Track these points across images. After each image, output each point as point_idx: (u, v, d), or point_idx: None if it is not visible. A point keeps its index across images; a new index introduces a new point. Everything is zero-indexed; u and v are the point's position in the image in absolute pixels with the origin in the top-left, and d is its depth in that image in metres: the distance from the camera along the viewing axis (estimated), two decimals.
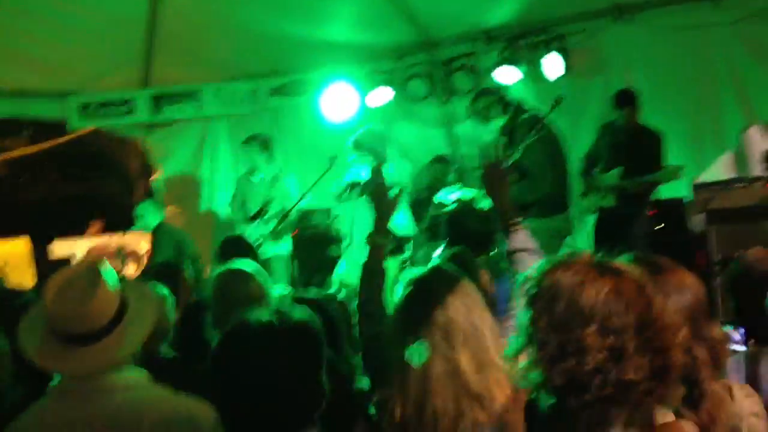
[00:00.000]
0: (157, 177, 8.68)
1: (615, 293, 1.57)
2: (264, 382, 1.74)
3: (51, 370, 2.30)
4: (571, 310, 1.57)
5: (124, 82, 8.01)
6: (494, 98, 6.55)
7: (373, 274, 2.74)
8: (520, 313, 1.67)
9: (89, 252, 8.51)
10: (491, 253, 4.12)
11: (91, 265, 2.35)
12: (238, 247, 5.25)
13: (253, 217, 7.47)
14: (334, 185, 7.19)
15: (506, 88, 7.19)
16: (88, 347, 2.24)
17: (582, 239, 6.93)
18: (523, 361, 1.65)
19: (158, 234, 7.41)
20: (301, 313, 1.88)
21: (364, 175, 6.90)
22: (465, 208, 4.37)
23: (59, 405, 2.27)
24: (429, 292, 2.35)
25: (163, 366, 3.08)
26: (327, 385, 1.86)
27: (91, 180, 13.83)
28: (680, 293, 2.10)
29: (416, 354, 2.23)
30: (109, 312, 2.28)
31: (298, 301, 2.90)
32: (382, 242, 2.80)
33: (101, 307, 2.26)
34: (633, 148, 6.54)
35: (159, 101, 8.03)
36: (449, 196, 6.41)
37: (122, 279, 2.42)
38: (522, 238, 2.82)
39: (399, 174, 7.07)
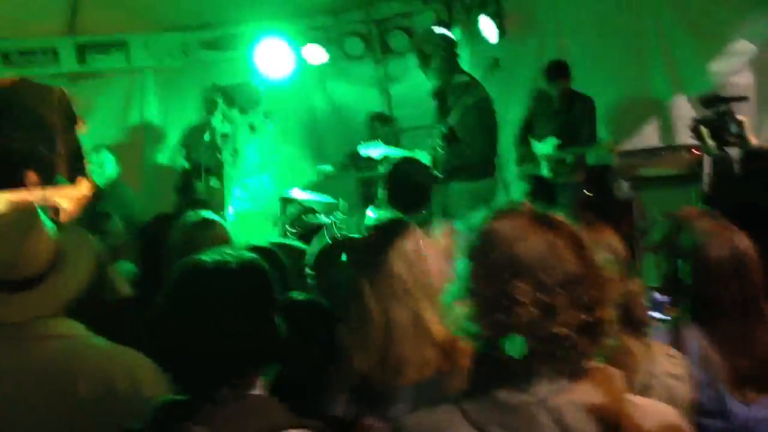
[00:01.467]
0: (82, 129, 8.42)
1: (550, 247, 1.57)
2: (216, 318, 1.73)
3: None
4: (506, 261, 1.57)
5: (48, 30, 7.71)
6: (443, 46, 6.48)
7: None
8: (458, 260, 1.67)
9: (8, 206, 8.26)
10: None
11: (25, 211, 2.27)
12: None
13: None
14: None
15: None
16: (21, 294, 2.18)
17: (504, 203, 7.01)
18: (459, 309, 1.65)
19: (116, 188, 7.22)
20: (251, 255, 1.87)
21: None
22: (408, 162, 4.35)
23: None
24: (388, 240, 2.34)
25: (113, 310, 3.01)
26: (280, 327, 1.84)
27: (7, 133, 13.34)
28: (604, 250, 2.14)
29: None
30: (44, 259, 2.21)
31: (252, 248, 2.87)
32: None
33: (36, 253, 2.20)
34: (566, 115, 6.65)
35: (84, 51, 7.76)
36: (372, 150, 6.37)
37: (60, 226, 2.35)
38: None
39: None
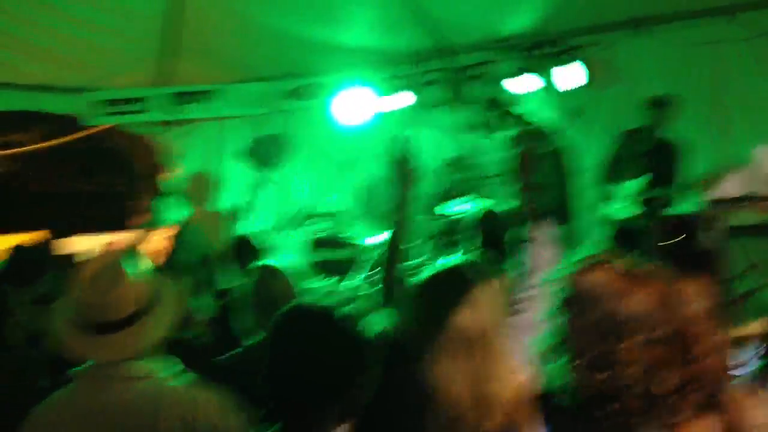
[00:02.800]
0: (171, 175, 8.69)
1: (655, 304, 1.55)
2: (316, 360, 1.77)
3: (76, 356, 2.33)
4: (611, 320, 1.55)
5: (139, 80, 8.03)
6: (498, 111, 6.56)
7: (393, 253, 2.72)
8: (551, 312, 1.64)
9: (100, 249, 8.56)
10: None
11: (119, 257, 2.38)
12: (248, 246, 5.28)
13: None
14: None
15: (514, 100, 7.21)
16: (113, 335, 2.28)
17: (588, 249, 6.90)
18: (547, 360, 1.63)
19: (183, 233, 7.42)
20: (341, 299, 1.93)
21: None
22: (493, 214, 4.37)
23: (82, 391, 2.31)
24: (441, 294, 2.33)
25: (195, 353, 3.10)
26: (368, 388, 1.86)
27: (100, 177, 13.89)
28: (699, 300, 2.09)
29: None
30: (136, 301, 2.32)
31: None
32: (403, 222, 2.79)
33: (127, 296, 2.31)
34: (654, 156, 6.54)
35: (173, 100, 8.04)
36: (457, 207, 6.41)
37: (147, 272, 2.45)
38: (543, 229, 2.80)
39: None
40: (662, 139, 6.60)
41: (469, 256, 2.59)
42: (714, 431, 1.66)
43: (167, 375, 2.35)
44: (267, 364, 1.83)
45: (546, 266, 2.65)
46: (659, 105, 6.50)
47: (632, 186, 6.58)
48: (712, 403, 1.99)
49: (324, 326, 1.83)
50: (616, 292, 1.57)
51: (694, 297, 2.04)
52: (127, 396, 2.25)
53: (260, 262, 3.46)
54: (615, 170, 6.79)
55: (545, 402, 2.43)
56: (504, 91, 7.50)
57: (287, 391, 1.80)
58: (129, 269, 2.35)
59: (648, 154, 6.57)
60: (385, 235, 6.87)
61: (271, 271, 3.33)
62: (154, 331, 2.33)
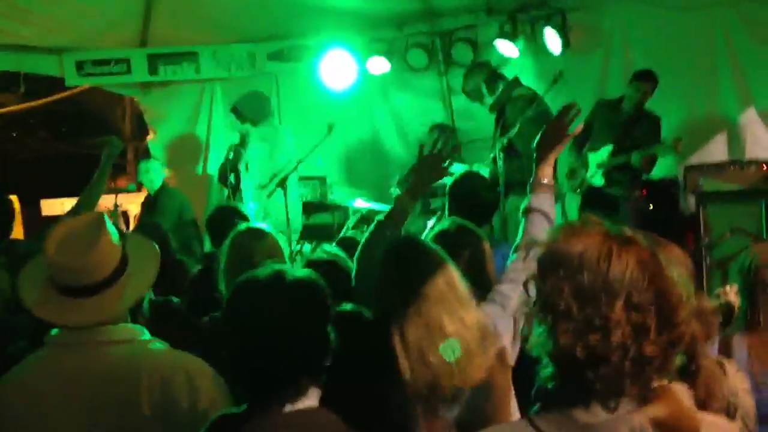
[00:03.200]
0: (152, 138, 8.65)
1: (640, 267, 1.57)
2: (270, 332, 1.79)
3: (50, 321, 2.28)
4: (599, 283, 1.56)
5: (121, 41, 7.95)
6: (486, 74, 6.52)
7: (386, 235, 2.72)
8: (534, 277, 1.66)
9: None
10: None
11: (93, 218, 2.34)
12: (227, 213, 5.25)
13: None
14: None
15: (500, 61, 7.20)
16: (88, 299, 2.24)
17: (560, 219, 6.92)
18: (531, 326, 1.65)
19: (162, 196, 7.43)
20: (305, 271, 1.92)
21: None
22: (473, 176, 4.36)
23: (56, 356, 2.27)
24: (404, 261, 2.37)
25: (172, 314, 3.12)
26: (332, 339, 1.89)
27: (81, 139, 13.80)
28: (676, 266, 2.12)
29: (449, 350, 2.25)
30: (110, 265, 2.27)
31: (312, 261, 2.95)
32: (409, 208, 2.81)
33: (102, 259, 2.26)
34: (632, 128, 6.54)
35: (156, 61, 7.97)
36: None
37: (123, 233, 2.42)
38: (547, 200, 2.80)
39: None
40: (642, 110, 6.58)
41: (445, 223, 2.61)
42: (691, 395, 1.70)
43: (144, 339, 2.34)
44: (226, 336, 1.84)
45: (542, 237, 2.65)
46: (645, 78, 6.47)
47: (603, 151, 6.58)
48: (691, 367, 2.03)
49: (276, 295, 1.83)
50: (601, 255, 1.58)
51: (675, 262, 2.08)
52: (103, 360, 2.22)
53: (246, 224, 3.43)
54: (590, 138, 6.77)
55: (526, 371, 2.49)
56: (489, 56, 7.48)
57: (248, 363, 1.81)
58: (104, 230, 2.28)
59: (626, 124, 6.56)
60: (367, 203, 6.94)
61: (255, 233, 3.30)
62: (130, 294, 2.29)
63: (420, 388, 2.21)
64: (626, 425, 1.55)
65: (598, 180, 6.64)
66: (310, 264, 2.85)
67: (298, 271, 1.92)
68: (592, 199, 6.65)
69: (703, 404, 1.99)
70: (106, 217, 2.36)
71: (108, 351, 2.25)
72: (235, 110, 7.21)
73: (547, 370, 1.63)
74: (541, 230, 2.73)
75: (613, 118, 6.62)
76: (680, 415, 1.60)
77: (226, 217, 4.76)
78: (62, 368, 2.24)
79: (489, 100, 6.44)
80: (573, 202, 6.93)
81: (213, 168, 8.31)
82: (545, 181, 2.82)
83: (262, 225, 3.40)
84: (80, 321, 2.25)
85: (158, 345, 2.34)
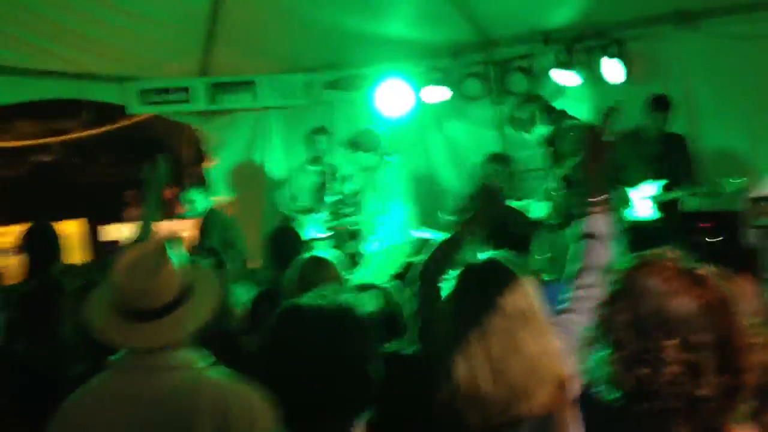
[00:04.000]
0: (211, 165, 8.80)
1: (702, 308, 1.54)
2: (310, 364, 1.77)
3: (114, 344, 2.33)
4: (657, 318, 1.54)
5: (183, 70, 8.13)
6: (538, 106, 6.49)
7: (443, 260, 2.69)
8: (599, 304, 1.64)
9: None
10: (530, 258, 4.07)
11: (159, 244, 2.39)
12: (288, 237, 5.32)
13: (308, 210, 7.48)
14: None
15: (555, 91, 7.15)
16: (152, 323, 2.28)
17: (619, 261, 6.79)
18: (589, 353, 1.63)
19: (207, 220, 7.53)
20: (348, 299, 1.91)
21: None
22: (512, 210, 4.33)
23: (118, 379, 2.31)
24: (488, 279, 2.36)
25: (233, 343, 3.15)
26: (378, 373, 1.87)
27: (139, 166, 14.06)
28: (749, 302, 2.06)
29: None
30: (174, 290, 2.32)
31: (362, 287, 2.93)
32: (467, 238, 2.78)
33: (167, 284, 2.30)
34: (665, 157, 6.44)
35: (216, 90, 8.12)
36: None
37: (186, 260, 2.46)
38: (601, 223, 2.70)
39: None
40: (670, 135, 6.46)
41: (498, 252, 2.59)
42: None
43: (204, 365, 2.36)
44: (266, 366, 1.83)
45: (601, 263, 2.61)
46: (663, 106, 6.38)
47: (647, 188, 6.47)
48: (756, 414, 1.97)
49: (318, 325, 1.81)
50: (667, 290, 1.56)
51: (747, 302, 2.01)
52: (163, 385, 2.25)
53: (308, 253, 3.48)
54: (625, 172, 6.67)
55: (585, 398, 2.45)
56: (545, 85, 7.45)
57: (289, 394, 1.80)
58: (168, 256, 2.33)
59: (658, 154, 6.45)
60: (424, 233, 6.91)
61: (317, 261, 3.33)
62: (192, 319, 2.32)
63: (496, 407, 2.19)
64: None
65: (643, 215, 6.52)
66: (359, 289, 2.84)
67: (341, 298, 1.91)
68: (639, 232, 6.53)
69: None
70: (168, 243, 2.41)
71: (166, 376, 2.27)
72: (356, 144, 7.18)
73: (610, 395, 1.60)
74: (599, 256, 2.65)
75: (641, 150, 6.51)
76: None
77: (288, 239, 4.85)
78: (119, 391, 2.27)
79: (541, 129, 6.39)
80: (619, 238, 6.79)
81: (269, 194, 8.40)
82: (598, 199, 2.73)
83: (325, 254, 3.45)
84: (140, 344, 2.28)
85: (218, 372, 2.36)
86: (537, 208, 6.55)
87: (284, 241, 5.11)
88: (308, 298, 1.90)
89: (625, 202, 6.60)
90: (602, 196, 2.74)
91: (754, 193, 6.40)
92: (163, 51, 7.72)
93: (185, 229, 9.16)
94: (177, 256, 2.38)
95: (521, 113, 6.59)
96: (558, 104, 7.05)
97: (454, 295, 2.42)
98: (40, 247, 5.14)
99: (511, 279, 2.36)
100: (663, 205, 6.47)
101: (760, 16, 6.61)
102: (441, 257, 2.73)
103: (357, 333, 1.86)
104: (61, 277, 3.70)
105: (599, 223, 2.71)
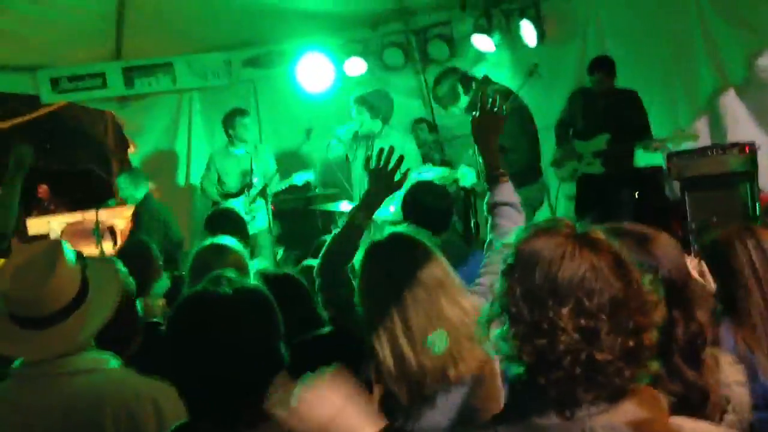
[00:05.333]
0: (133, 151, 8.59)
1: (593, 271, 1.52)
2: (211, 347, 1.74)
3: (8, 354, 2.24)
4: (548, 285, 1.53)
5: (95, 56, 7.87)
6: (456, 78, 6.46)
7: (344, 248, 2.64)
8: (497, 279, 1.63)
9: (66, 228, 8.45)
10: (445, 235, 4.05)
11: (50, 245, 2.29)
12: (227, 219, 5.20)
13: (238, 193, 7.35)
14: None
15: (477, 58, 7.15)
16: (46, 330, 2.19)
17: (547, 210, 6.90)
18: (494, 329, 1.62)
19: (143, 210, 7.33)
20: (251, 283, 1.87)
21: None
22: (422, 184, 4.29)
23: (18, 390, 2.22)
24: (394, 252, 2.36)
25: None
26: (283, 355, 1.84)
27: (68, 155, 13.71)
28: (670, 259, 2.07)
29: (437, 342, 2.23)
30: (68, 294, 2.22)
31: (265, 275, 2.87)
32: (363, 224, 2.71)
33: (59, 289, 2.20)
34: (614, 111, 6.50)
35: (131, 74, 7.90)
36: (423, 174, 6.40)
37: (83, 257, 2.36)
38: (507, 191, 2.78)
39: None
40: (619, 91, 6.54)
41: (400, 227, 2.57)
42: (658, 402, 1.65)
43: (112, 367, 2.29)
44: (171, 356, 1.79)
45: (511, 230, 2.63)
46: (599, 68, 6.44)
47: (596, 143, 6.54)
48: (656, 375, 1.99)
49: (217, 307, 1.77)
50: (557, 256, 1.54)
51: (667, 257, 2.02)
52: (67, 391, 2.18)
53: (210, 240, 3.39)
54: (568, 128, 6.75)
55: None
56: (466, 51, 7.44)
57: (196, 383, 1.76)
58: (61, 258, 2.22)
59: (608, 109, 6.52)
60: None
61: (217, 248, 3.25)
62: (89, 323, 2.23)
63: (430, 378, 2.20)
64: (581, 428, 1.51)
65: (596, 168, 6.58)
66: (262, 277, 2.79)
67: (244, 282, 1.86)
68: (588, 186, 6.61)
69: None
70: (64, 243, 2.31)
71: (70, 382, 2.20)
72: (366, 101, 7.01)
73: (515, 369, 1.59)
74: (513, 222, 2.73)
75: (593, 106, 6.58)
76: (653, 420, 1.54)
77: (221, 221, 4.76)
78: (23, 401, 2.19)
79: (464, 101, 6.37)
80: (563, 191, 6.90)
81: (195, 178, 8.24)
82: (499, 171, 2.81)
83: (227, 240, 3.35)
84: (40, 353, 2.20)
85: (124, 373, 2.29)
86: (466, 175, 6.56)
87: (221, 223, 4.95)
88: (205, 285, 1.85)
89: (574, 155, 6.65)
90: (501, 171, 2.81)
91: (676, 148, 6.50)
92: (75, 37, 7.45)
93: (113, 217, 8.98)
94: (72, 256, 2.28)
95: (442, 90, 6.54)
96: (479, 71, 7.04)
97: (363, 275, 2.39)
98: None
99: (419, 249, 2.36)
100: (613, 158, 6.51)
101: None
102: (339, 248, 2.68)
103: (256, 316, 1.82)
104: None
105: (504, 190, 2.77)
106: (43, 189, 11.60)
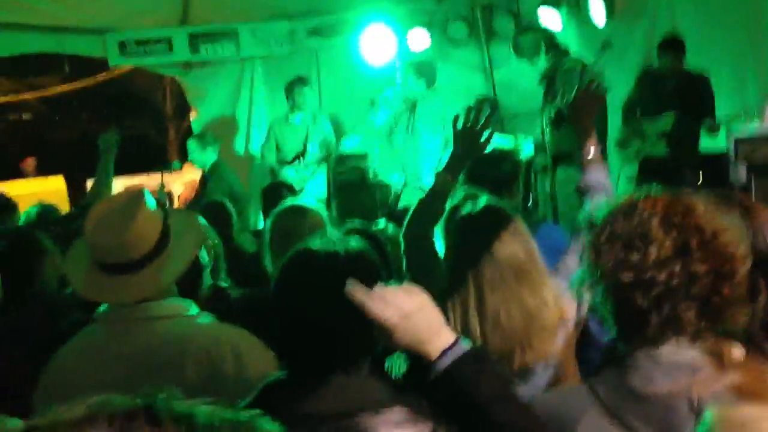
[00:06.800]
0: (194, 117, 8.68)
1: (675, 206, 1.56)
2: (325, 311, 1.73)
3: (94, 299, 2.30)
4: (631, 221, 1.55)
5: (163, 21, 7.96)
6: (541, 35, 6.37)
7: (430, 212, 2.62)
8: (583, 251, 1.63)
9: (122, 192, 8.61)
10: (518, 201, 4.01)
11: (132, 195, 2.33)
12: (279, 193, 5.26)
13: (292, 161, 7.40)
14: (378, 123, 7.03)
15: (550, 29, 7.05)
16: (129, 276, 2.23)
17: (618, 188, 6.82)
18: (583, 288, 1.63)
19: (213, 174, 7.41)
20: (358, 242, 1.85)
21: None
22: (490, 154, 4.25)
23: (103, 332, 2.29)
24: (486, 229, 2.34)
25: (219, 296, 3.11)
26: None
27: (125, 120, 13.95)
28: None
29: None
30: (150, 241, 2.25)
31: (353, 232, 2.86)
32: (450, 185, 2.70)
33: (141, 236, 2.24)
34: (682, 93, 6.38)
35: (196, 40, 7.96)
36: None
37: (166, 207, 2.40)
38: (601, 172, 2.71)
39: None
40: (687, 74, 6.41)
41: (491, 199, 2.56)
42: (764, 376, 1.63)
43: (192, 314, 2.33)
44: (275, 312, 1.79)
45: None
46: (669, 48, 6.30)
47: (661, 123, 6.43)
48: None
49: (329, 270, 1.77)
50: (635, 202, 1.59)
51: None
52: (149, 335, 2.23)
53: (288, 202, 3.41)
54: (635, 108, 6.64)
55: (584, 336, 2.45)
56: (533, 26, 7.35)
57: (297, 340, 1.76)
58: (143, 206, 2.25)
59: (675, 91, 6.40)
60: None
61: (296, 210, 3.26)
62: (171, 269, 2.27)
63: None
64: (684, 398, 1.49)
65: (660, 150, 6.47)
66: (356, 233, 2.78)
67: (351, 243, 1.86)
68: (650, 168, 6.50)
69: None
70: (146, 192, 2.35)
71: (152, 327, 2.24)
72: (411, 64, 7.03)
73: (607, 320, 1.61)
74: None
75: (661, 87, 6.46)
76: (760, 392, 1.51)
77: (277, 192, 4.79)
78: (105, 344, 2.25)
79: (543, 60, 6.28)
80: (625, 173, 6.81)
81: (254, 145, 8.31)
82: (594, 153, 2.74)
83: (305, 201, 3.38)
84: (123, 298, 2.25)
85: (205, 319, 2.33)
86: (526, 148, 6.51)
87: (273, 194, 5.02)
88: (318, 243, 1.84)
89: (640, 135, 6.55)
90: (597, 150, 2.75)
91: (740, 134, 6.37)
92: (142, 1, 7.54)
93: (173, 181, 9.11)
94: (153, 205, 2.32)
95: (525, 40, 6.46)
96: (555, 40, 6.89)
97: (451, 244, 2.40)
98: None
99: (511, 229, 2.34)
100: (678, 140, 6.40)
101: None
102: (425, 212, 2.67)
103: (369, 277, 1.80)
104: (37, 231, 3.60)
105: (597, 172, 2.71)
106: (29, 162, 11.42)
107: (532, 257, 2.31)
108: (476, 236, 2.33)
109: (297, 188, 6.80)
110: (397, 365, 2.04)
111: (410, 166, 6.84)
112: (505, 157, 4.07)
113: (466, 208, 2.43)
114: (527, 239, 2.34)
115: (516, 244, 2.30)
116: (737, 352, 1.57)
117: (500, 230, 2.31)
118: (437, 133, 6.71)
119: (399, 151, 6.94)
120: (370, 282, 1.73)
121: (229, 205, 4.87)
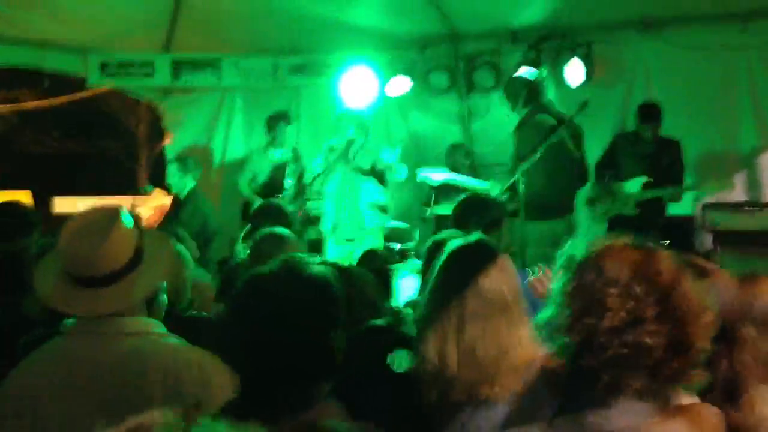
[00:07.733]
0: (169, 142, 8.66)
1: (642, 264, 1.61)
2: (272, 334, 1.73)
3: (62, 311, 2.30)
4: (598, 276, 1.61)
5: (146, 45, 7.98)
6: (530, 87, 6.50)
7: None
8: (554, 287, 1.68)
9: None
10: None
11: (110, 210, 2.34)
12: (275, 212, 5.23)
13: (268, 194, 7.41)
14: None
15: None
16: (100, 290, 2.23)
17: (583, 246, 6.88)
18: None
19: (189, 203, 7.39)
20: (319, 269, 1.86)
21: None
22: (471, 196, 4.33)
23: (69, 345, 2.28)
24: (475, 261, 2.38)
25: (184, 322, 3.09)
26: (340, 346, 1.84)
27: (93, 140, 13.87)
28: (727, 297, 2.09)
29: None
30: (124, 256, 2.27)
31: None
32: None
33: (115, 250, 2.25)
34: (656, 158, 6.53)
35: (179, 67, 7.99)
36: (435, 174, 6.47)
37: (141, 226, 2.41)
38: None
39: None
40: (664, 139, 6.56)
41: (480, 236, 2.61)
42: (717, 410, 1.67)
43: (159, 332, 2.33)
44: (229, 333, 1.79)
45: None
46: (649, 119, 6.47)
47: (633, 185, 6.55)
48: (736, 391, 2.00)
49: (286, 287, 1.77)
50: (607, 254, 1.66)
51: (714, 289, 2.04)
52: (114, 351, 2.22)
53: (267, 229, 3.42)
54: (608, 167, 6.76)
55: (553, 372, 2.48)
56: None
57: (251, 361, 1.76)
58: (118, 222, 2.28)
59: (651, 155, 6.54)
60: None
61: (275, 237, 3.28)
62: (142, 286, 2.28)
63: (459, 388, 2.22)
64: None
65: (629, 210, 6.59)
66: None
67: (314, 266, 1.87)
68: (620, 227, 6.56)
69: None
70: (123, 210, 2.35)
71: (119, 342, 2.24)
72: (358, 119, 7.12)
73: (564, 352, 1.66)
74: None
75: (636, 150, 6.59)
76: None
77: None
78: (73, 357, 2.24)
79: (518, 111, 6.41)
80: (592, 231, 6.89)
81: (227, 175, 8.31)
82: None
83: (284, 230, 3.40)
84: (91, 311, 2.25)
85: (172, 340, 2.32)
86: (494, 188, 6.59)
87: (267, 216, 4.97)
88: (271, 266, 1.85)
89: (612, 195, 6.66)
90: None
91: (708, 200, 6.50)
92: (127, 23, 7.56)
93: (144, 206, 9.03)
94: (130, 222, 2.33)
95: (510, 86, 6.60)
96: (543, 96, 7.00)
97: (439, 273, 2.43)
98: None
99: (497, 263, 2.39)
100: (647, 202, 6.53)
101: (720, 27, 6.79)
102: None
103: (322, 302, 1.81)
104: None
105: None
106: None
107: (515, 295, 2.35)
108: (465, 267, 2.37)
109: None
110: (398, 361, 2.07)
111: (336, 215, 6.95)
112: (493, 202, 4.15)
113: (458, 241, 2.49)
114: (513, 277, 2.39)
115: (502, 280, 2.34)
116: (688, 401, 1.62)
117: (489, 264, 2.35)
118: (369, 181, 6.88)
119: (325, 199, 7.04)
120: (321, 306, 1.75)
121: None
